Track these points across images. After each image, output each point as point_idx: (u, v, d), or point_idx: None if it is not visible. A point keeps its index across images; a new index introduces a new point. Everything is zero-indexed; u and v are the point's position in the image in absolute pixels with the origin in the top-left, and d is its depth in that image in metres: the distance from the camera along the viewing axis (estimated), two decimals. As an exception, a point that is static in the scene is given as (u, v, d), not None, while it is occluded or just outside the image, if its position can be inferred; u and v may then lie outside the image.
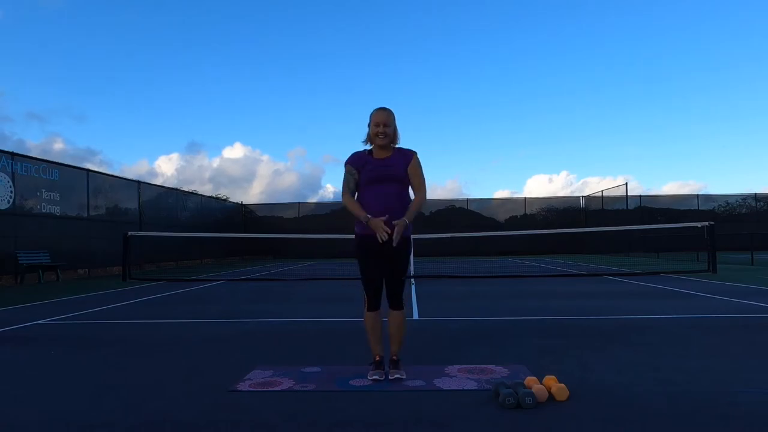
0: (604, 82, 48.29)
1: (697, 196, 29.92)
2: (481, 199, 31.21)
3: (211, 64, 50.18)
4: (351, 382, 3.34)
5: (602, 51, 47.93)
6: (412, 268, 13.34)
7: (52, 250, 14.01)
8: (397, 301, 3.46)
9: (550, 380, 2.97)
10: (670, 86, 46.62)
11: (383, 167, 3.34)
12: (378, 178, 3.34)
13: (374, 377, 3.36)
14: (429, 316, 6.31)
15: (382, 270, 3.41)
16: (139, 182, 19.58)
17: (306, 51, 50.74)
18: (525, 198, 30.75)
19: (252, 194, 56.25)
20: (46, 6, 46.64)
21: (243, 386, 3.28)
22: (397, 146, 3.44)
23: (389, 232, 3.11)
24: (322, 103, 52.63)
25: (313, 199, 36.72)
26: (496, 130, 51.02)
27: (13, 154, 13.23)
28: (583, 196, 30.43)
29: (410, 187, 3.42)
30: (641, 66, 47.51)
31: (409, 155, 3.39)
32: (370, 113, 3.38)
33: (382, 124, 3.30)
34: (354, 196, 3.42)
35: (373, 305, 3.47)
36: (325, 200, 33.99)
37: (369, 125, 3.37)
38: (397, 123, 3.44)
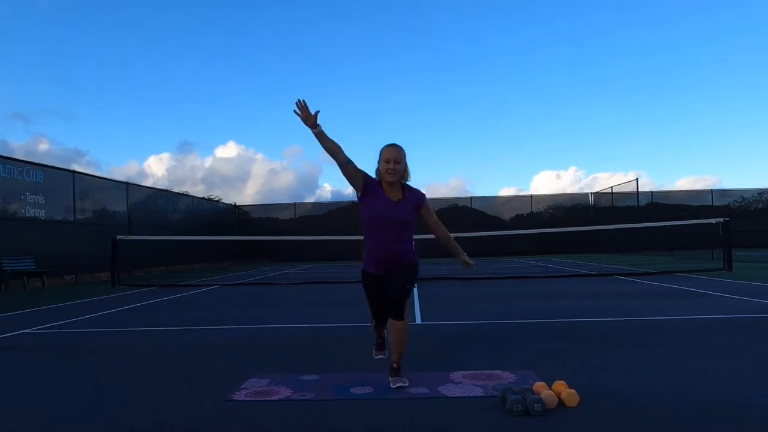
0: (612, 75, 47.89)
1: (711, 191, 29.03)
2: (485, 197, 30.59)
3: (202, 62, 49.88)
4: (351, 390, 3.24)
5: (610, 43, 47.67)
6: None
7: (37, 255, 13.69)
8: (398, 312, 3.34)
9: (560, 386, 2.91)
10: (681, 78, 46.10)
11: (395, 214, 3.28)
12: (387, 224, 3.30)
13: (379, 357, 3.68)
14: (432, 320, 6.18)
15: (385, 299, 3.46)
16: (127, 184, 19.26)
17: (301, 47, 50.50)
18: (531, 195, 30.01)
19: (246, 194, 55.99)
20: (32, 3, 46.01)
21: (239, 396, 3.19)
22: (406, 183, 3.41)
23: (310, 116, 3.12)
24: (322, 101, 52.38)
25: (310, 199, 36.46)
26: (499, 126, 50.67)
27: (-5, 157, 12.89)
28: (592, 193, 29.83)
29: (427, 223, 3.44)
30: (651, 58, 47.28)
31: (420, 199, 3.40)
32: (380, 149, 3.34)
33: (393, 161, 3.26)
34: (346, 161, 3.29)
35: (380, 325, 3.64)
36: (323, 200, 33.80)
37: (379, 161, 3.34)
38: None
